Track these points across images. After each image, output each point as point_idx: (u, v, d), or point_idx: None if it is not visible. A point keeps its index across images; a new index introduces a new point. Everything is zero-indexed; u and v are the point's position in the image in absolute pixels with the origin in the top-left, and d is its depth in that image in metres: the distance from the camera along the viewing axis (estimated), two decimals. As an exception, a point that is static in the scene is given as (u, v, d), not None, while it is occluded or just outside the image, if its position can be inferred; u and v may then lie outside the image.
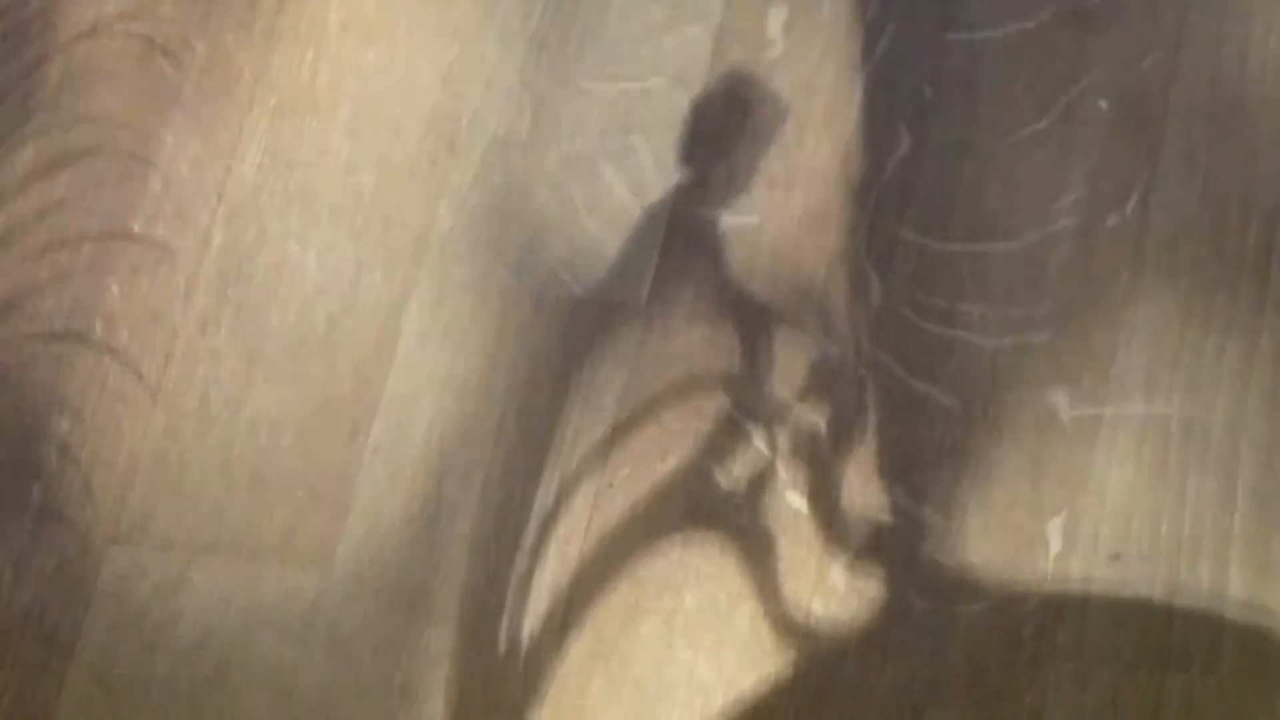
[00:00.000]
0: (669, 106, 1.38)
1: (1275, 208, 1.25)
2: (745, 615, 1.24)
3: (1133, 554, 1.20)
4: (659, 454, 1.29)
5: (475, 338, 1.34)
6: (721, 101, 1.37)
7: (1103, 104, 1.31)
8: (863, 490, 1.25)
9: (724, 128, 1.36)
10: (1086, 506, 1.22)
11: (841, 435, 1.27)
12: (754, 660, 1.23)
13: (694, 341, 1.31)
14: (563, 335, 1.33)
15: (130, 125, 1.43)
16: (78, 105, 1.44)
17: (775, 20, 1.38)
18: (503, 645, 1.27)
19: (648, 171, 1.36)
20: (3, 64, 1.46)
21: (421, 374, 1.34)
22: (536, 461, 1.31)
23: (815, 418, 1.27)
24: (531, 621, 1.27)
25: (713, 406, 1.29)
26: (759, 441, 1.28)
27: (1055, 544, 1.21)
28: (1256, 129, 1.27)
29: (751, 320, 1.31)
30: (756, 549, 1.25)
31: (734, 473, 1.27)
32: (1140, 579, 1.20)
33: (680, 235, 1.34)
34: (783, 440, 1.27)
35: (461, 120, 1.40)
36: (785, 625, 1.24)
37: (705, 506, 1.27)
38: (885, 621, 1.22)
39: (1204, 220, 1.26)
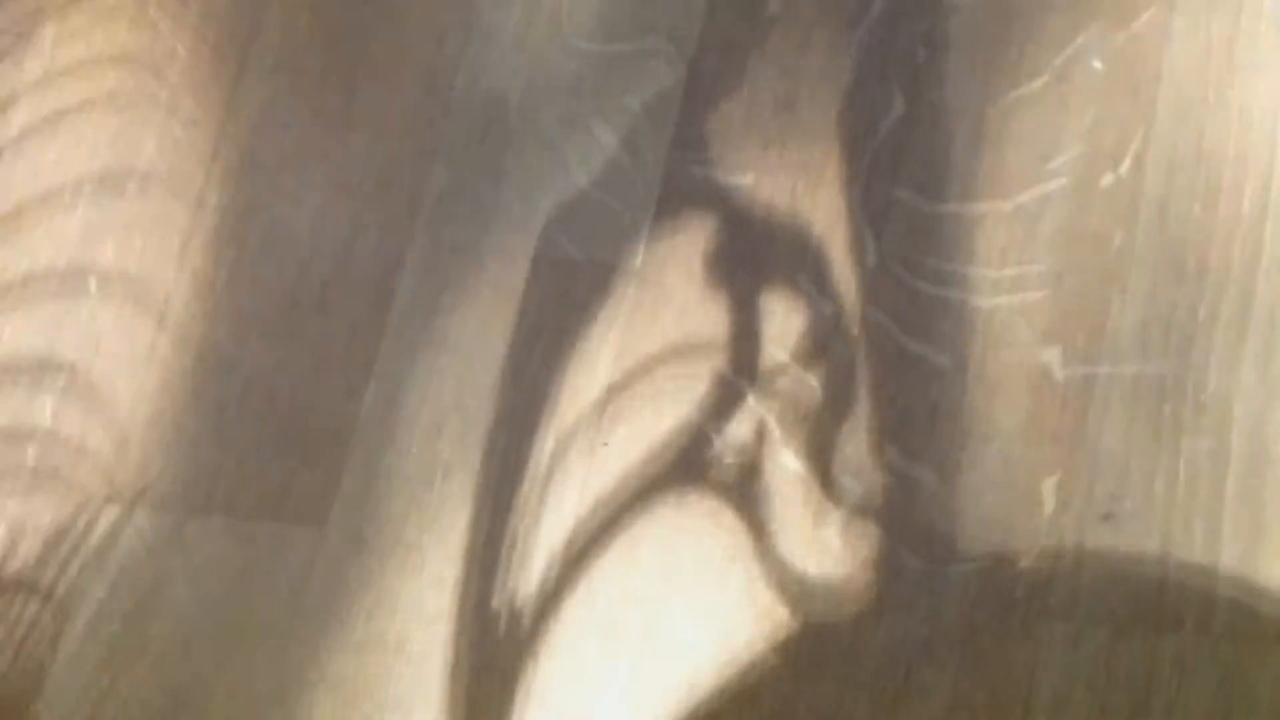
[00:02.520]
0: (664, 67, 1.35)
1: (1270, 167, 1.23)
2: (739, 575, 1.23)
3: (1126, 514, 1.19)
4: (654, 414, 1.27)
5: (470, 298, 1.32)
6: (715, 62, 1.35)
7: (1097, 64, 1.29)
8: (857, 450, 1.24)
9: (717, 88, 1.34)
10: (1080, 466, 1.20)
11: (836, 395, 1.25)
12: (748, 620, 1.22)
13: (688, 302, 1.29)
14: (557, 296, 1.31)
15: (123, 85, 1.40)
16: (70, 64, 1.41)
17: (770, -20, 1.36)
18: (498, 605, 1.25)
19: (642, 132, 1.34)
20: (-3, 24, 1.44)
21: (416, 334, 1.32)
22: (531, 422, 1.28)
23: (810, 377, 1.26)
24: (526, 581, 1.25)
25: (707, 366, 1.27)
26: (753, 401, 1.26)
27: (1049, 503, 1.20)
28: (1249, 88, 1.26)
29: (746, 280, 1.29)
30: (751, 509, 1.24)
31: (728, 433, 1.26)
32: (1134, 539, 1.18)
33: (675, 195, 1.32)
34: (777, 400, 1.25)
35: (457, 80, 1.38)
36: (780, 585, 1.22)
37: (700, 466, 1.25)
38: (879, 581, 1.21)
39: (1199, 180, 1.24)
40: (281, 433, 1.32)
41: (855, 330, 1.26)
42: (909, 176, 1.29)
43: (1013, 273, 1.25)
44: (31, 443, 1.33)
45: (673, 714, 1.21)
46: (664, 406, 1.27)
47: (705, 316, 1.28)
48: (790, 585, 1.22)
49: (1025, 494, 1.20)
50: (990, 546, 1.20)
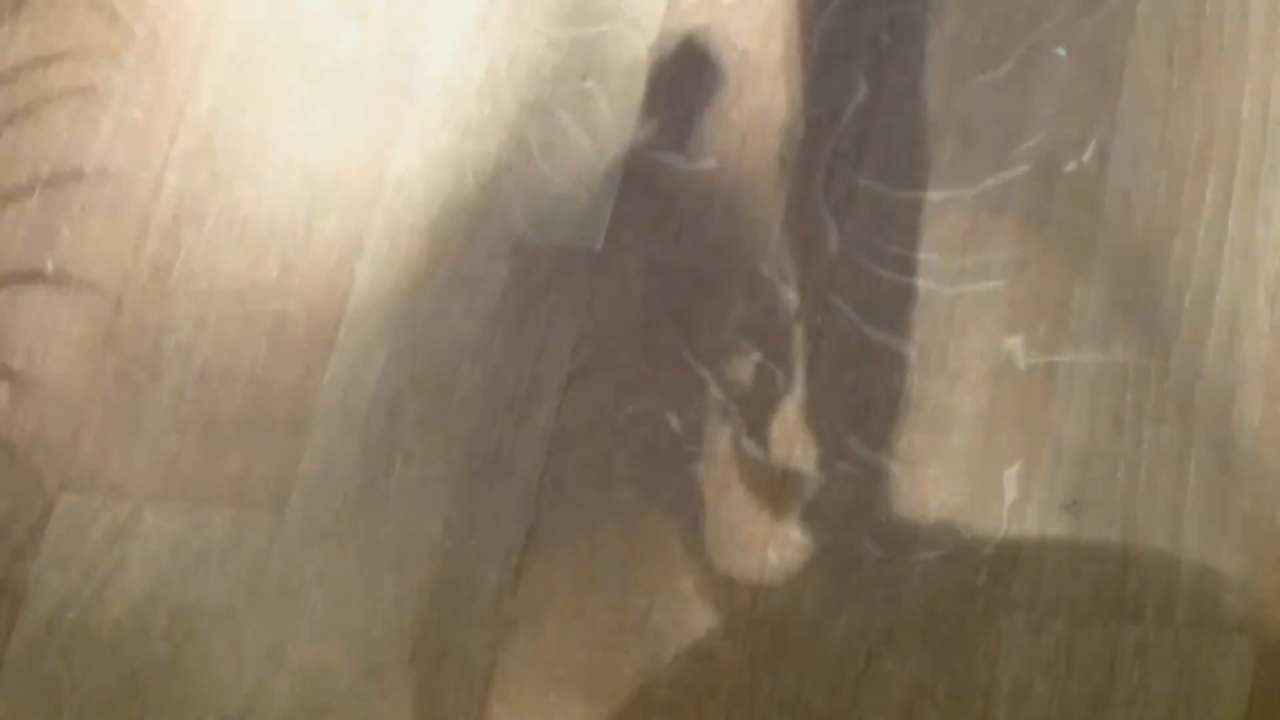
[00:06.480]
0: (626, 52, 1.31)
1: (1233, 155, 1.20)
2: (700, 563, 1.19)
3: (1088, 503, 1.16)
4: (614, 401, 1.24)
5: (429, 283, 1.28)
6: (678, 47, 1.31)
7: (1061, 51, 1.25)
8: (818, 438, 1.20)
9: (680, 73, 1.30)
10: (1043, 455, 1.17)
11: (798, 383, 1.21)
12: (709, 608, 1.18)
13: (649, 287, 1.25)
14: (518, 281, 1.27)
15: (83, 66, 1.36)
16: (30, 46, 1.36)
17: (733, -36, 1.31)
18: (458, 592, 1.21)
19: (604, 117, 1.30)
20: (-45, 4, 1.38)
21: (375, 319, 1.28)
22: (492, 407, 1.24)
23: (771, 365, 1.22)
24: (486, 568, 1.21)
25: (668, 353, 1.24)
26: (715, 388, 1.22)
27: (1011, 492, 1.17)
28: (1214, 76, 1.22)
29: (707, 266, 1.25)
30: (712, 496, 1.20)
31: (689, 420, 1.22)
32: (1095, 528, 1.15)
33: (636, 180, 1.28)
34: (738, 387, 1.22)
35: (417, 64, 1.33)
36: (740, 573, 1.18)
37: (660, 454, 1.22)
38: (840, 569, 1.18)
39: (1162, 168, 1.21)
40: (239, 417, 1.27)
41: (817, 318, 1.22)
42: (872, 163, 1.25)
43: (975, 260, 1.21)
44: (-14, 427, 1.29)
45: (632, 704, 1.17)
46: (625, 394, 1.23)
47: (666, 303, 1.25)
48: (750, 573, 1.18)
49: (987, 483, 1.17)
50: (951, 535, 1.17)
